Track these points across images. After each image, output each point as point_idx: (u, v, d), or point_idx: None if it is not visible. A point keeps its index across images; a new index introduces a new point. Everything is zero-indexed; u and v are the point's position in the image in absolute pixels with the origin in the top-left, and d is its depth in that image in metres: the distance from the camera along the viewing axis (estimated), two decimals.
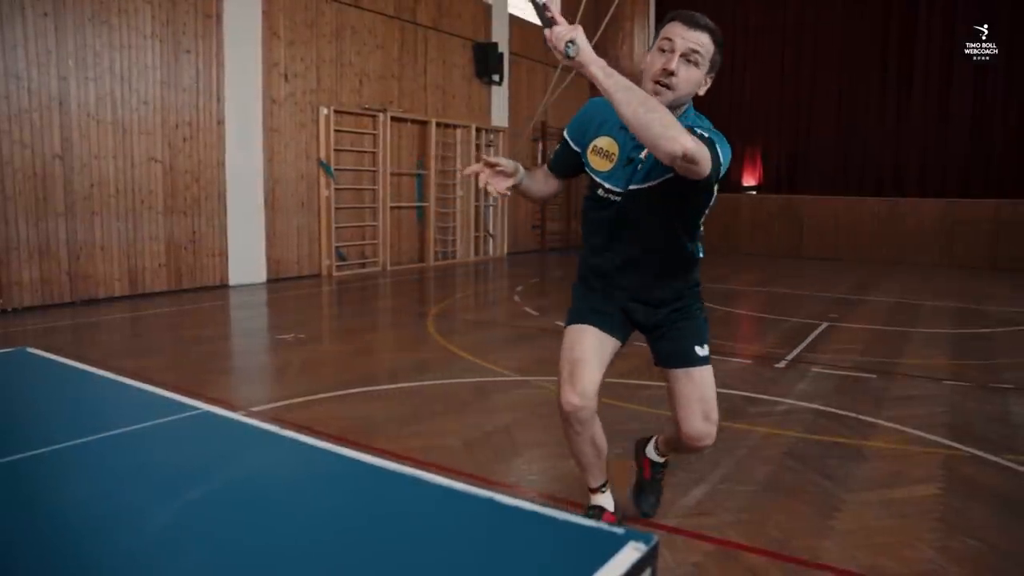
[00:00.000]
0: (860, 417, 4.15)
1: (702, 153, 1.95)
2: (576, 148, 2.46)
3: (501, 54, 13.52)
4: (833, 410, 4.38)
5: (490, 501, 1.01)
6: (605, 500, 2.66)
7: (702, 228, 2.46)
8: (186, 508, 1.02)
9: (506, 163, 2.36)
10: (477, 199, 13.47)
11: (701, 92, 2.22)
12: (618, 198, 2.34)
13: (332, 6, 10.37)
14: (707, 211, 2.41)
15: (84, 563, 0.89)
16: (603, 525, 0.93)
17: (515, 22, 14.32)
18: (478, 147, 13.32)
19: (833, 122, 15.04)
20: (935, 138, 14.09)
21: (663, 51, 2.15)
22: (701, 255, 2.50)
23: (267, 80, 9.48)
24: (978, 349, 6.33)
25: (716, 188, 2.29)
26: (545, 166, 2.61)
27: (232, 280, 9.17)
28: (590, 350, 2.40)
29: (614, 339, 2.49)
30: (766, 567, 2.56)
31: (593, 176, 2.41)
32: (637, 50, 16.78)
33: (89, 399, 1.63)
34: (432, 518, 1.00)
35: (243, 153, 9.19)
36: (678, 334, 2.46)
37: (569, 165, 2.52)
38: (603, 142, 2.37)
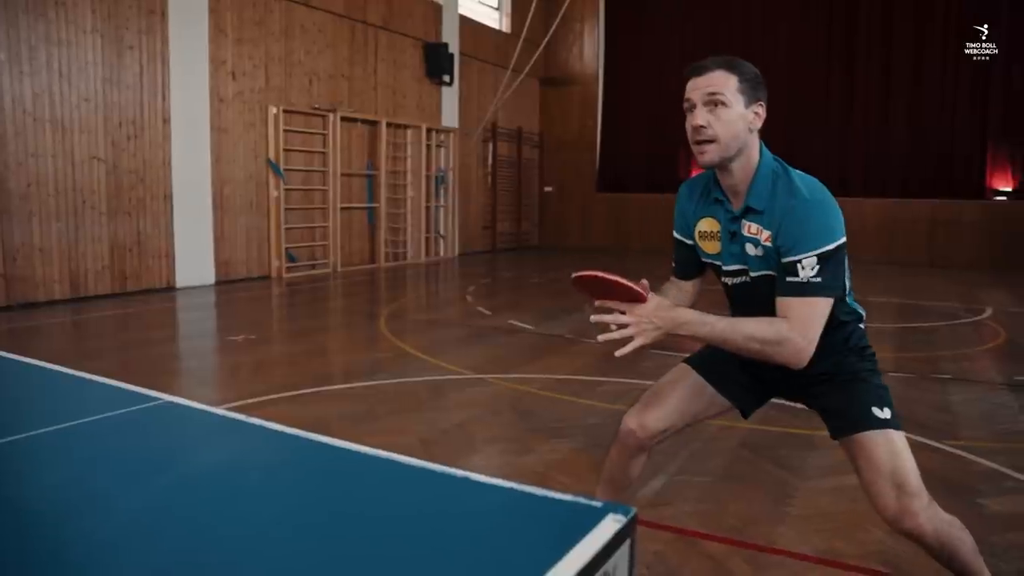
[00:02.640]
0: (810, 408, 4.25)
1: (814, 315, 1.84)
2: (688, 241, 2.24)
3: (452, 55, 13.50)
4: (784, 402, 4.47)
5: (466, 480, 1.01)
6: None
7: (847, 288, 2.05)
8: (156, 495, 0.99)
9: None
10: (428, 200, 13.42)
11: (757, 125, 1.95)
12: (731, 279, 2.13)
13: (281, 4, 10.22)
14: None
15: (54, 550, 0.86)
16: (580, 498, 0.93)
17: (466, 22, 14.31)
18: (429, 148, 13.27)
19: (781, 125, 15.38)
20: (876, 141, 14.54)
21: (688, 112, 1.97)
22: (849, 317, 2.10)
23: (214, 78, 9.29)
24: (919, 342, 6.54)
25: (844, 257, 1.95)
26: (672, 278, 2.38)
27: (179, 282, 8.96)
28: (679, 390, 2.22)
29: (720, 396, 2.25)
30: (725, 553, 2.60)
31: (709, 262, 2.20)
32: (587, 51, 16.93)
33: (39, 392, 1.57)
34: (409, 499, 0.99)
35: (190, 153, 8.99)
36: (843, 396, 2.07)
37: (690, 261, 2.27)
38: (704, 224, 2.16)
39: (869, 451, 1.97)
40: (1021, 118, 13.51)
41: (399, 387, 4.84)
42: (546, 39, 14.73)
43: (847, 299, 2.07)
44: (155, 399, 1.47)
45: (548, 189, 17.64)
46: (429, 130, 13.26)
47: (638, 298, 1.85)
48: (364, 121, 11.88)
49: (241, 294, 8.92)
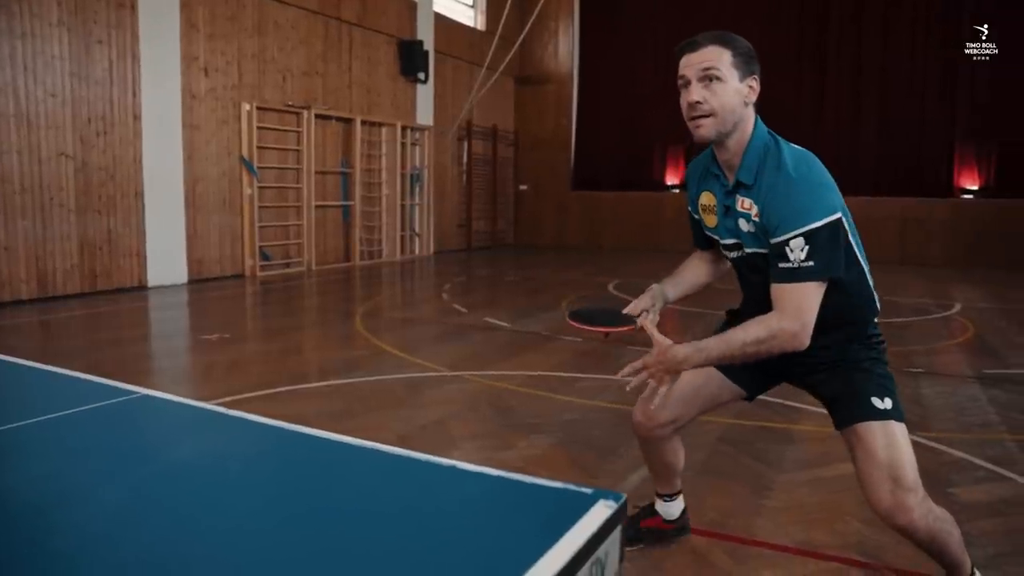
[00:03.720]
0: (787, 403, 4.28)
1: (807, 300, 1.82)
2: (695, 215, 2.25)
3: (426, 52, 13.44)
4: (761, 397, 4.51)
5: (452, 469, 1.00)
6: (661, 506, 2.57)
7: (863, 268, 2.04)
8: (138, 488, 0.97)
9: (644, 302, 2.23)
10: (403, 198, 13.36)
11: (752, 99, 1.96)
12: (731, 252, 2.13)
13: (253, 0, 10.10)
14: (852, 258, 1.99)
15: (40, 541, 0.83)
16: (570, 485, 0.92)
17: (440, 20, 14.26)
18: (403, 146, 13.20)
19: None
20: (848, 142, 14.74)
21: (683, 89, 1.95)
22: (866, 307, 2.07)
23: (186, 75, 9.16)
24: (892, 337, 6.58)
25: (848, 227, 1.94)
26: (695, 249, 2.41)
27: (151, 281, 8.83)
28: (685, 380, 2.17)
29: (729, 383, 2.27)
30: (706, 546, 2.61)
31: (711, 236, 2.21)
32: (562, 50, 16.95)
33: (12, 387, 1.53)
34: (395, 489, 0.98)
35: (162, 150, 8.86)
36: (844, 386, 2.03)
37: (701, 233, 2.29)
38: (704, 198, 2.16)
39: (867, 442, 1.93)
40: (987, 119, 13.78)
41: (376, 385, 4.80)
42: (521, 37, 14.72)
43: (870, 284, 2.05)
44: (133, 393, 1.43)
45: (523, 187, 17.64)
46: (404, 128, 13.20)
47: (629, 326, 2.13)
48: (338, 119, 11.79)
49: (214, 293, 8.81)
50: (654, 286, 2.32)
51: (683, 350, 1.93)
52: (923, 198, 14.10)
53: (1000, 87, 13.63)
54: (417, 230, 14.00)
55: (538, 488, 0.93)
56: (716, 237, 2.14)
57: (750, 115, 1.98)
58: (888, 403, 1.96)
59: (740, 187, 1.98)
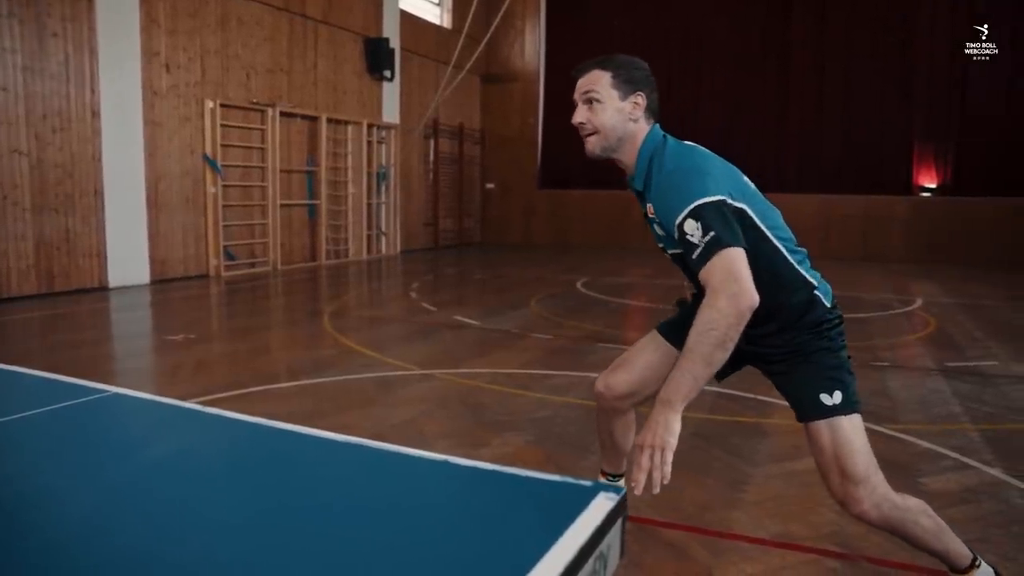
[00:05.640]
0: (758, 398, 4.32)
1: (731, 266, 1.79)
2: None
3: (393, 50, 13.33)
4: (732, 392, 4.53)
5: (445, 463, 0.97)
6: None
7: (776, 245, 2.06)
8: (117, 486, 0.93)
9: None
10: (369, 197, 13.25)
11: (636, 116, 2.05)
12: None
13: None
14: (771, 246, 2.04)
15: (11, 542, 0.78)
16: (569, 479, 0.90)
17: (406, 18, 14.16)
18: (370, 144, 13.09)
19: (718, 121, 15.69)
20: (811, 138, 14.98)
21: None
22: (800, 287, 2.09)
23: (147, 70, 8.96)
24: (858, 332, 6.73)
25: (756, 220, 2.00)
26: None
27: (112, 282, 8.62)
28: (646, 355, 2.36)
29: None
30: (684, 540, 2.62)
31: None
32: (528, 49, 16.94)
33: None
34: (387, 485, 0.94)
35: (122, 147, 8.66)
36: (796, 382, 2.09)
37: None
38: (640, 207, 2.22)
39: (815, 439, 2.03)
40: (942, 120, 14.12)
41: (346, 384, 4.74)
42: (487, 36, 14.67)
43: (795, 266, 2.07)
44: (102, 391, 1.38)
45: (490, 186, 17.60)
46: (370, 126, 13.08)
47: None
48: (304, 116, 11.64)
49: (178, 293, 8.63)
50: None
51: (667, 398, 1.80)
52: (884, 196, 14.38)
53: (956, 89, 13.97)
54: (384, 229, 13.89)
55: (537, 482, 0.91)
56: (660, 245, 2.20)
57: (640, 129, 2.09)
58: (837, 397, 2.00)
59: (641, 196, 2.10)
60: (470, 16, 13.64)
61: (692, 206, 1.84)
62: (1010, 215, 13.42)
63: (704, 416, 4.06)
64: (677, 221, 1.86)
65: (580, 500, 0.83)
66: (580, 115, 2.09)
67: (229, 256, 10.32)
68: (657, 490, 1.69)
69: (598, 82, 2.05)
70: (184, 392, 4.42)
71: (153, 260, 9.19)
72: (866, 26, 14.47)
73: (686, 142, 2.09)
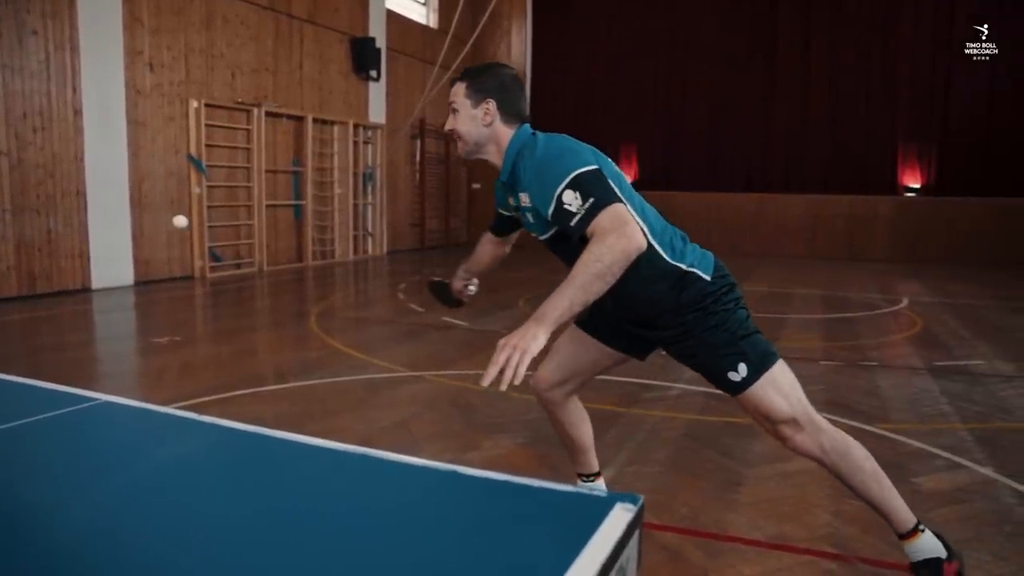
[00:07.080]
0: None
1: (615, 217, 1.83)
2: (505, 213, 2.66)
3: (379, 49, 13.27)
4: (722, 392, 4.54)
5: (453, 473, 0.94)
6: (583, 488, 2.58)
7: (655, 239, 2.12)
8: (113, 498, 0.89)
9: (459, 283, 2.74)
10: (356, 197, 13.18)
11: (488, 121, 2.17)
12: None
13: None
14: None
15: (10, 555, 0.75)
16: (583, 490, 0.87)
17: (393, 17, 14.10)
18: (356, 144, 13.02)
19: (705, 122, 15.75)
20: (797, 139, 15.06)
21: None
22: (676, 263, 2.14)
23: (130, 69, 8.86)
24: (845, 331, 6.76)
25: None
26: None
27: (95, 283, 8.51)
28: (568, 344, 2.52)
29: (605, 346, 2.45)
30: (679, 543, 2.60)
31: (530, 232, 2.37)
32: (515, 48, 16.92)
33: None
34: (391, 495, 0.91)
35: (105, 147, 8.55)
36: (702, 365, 2.22)
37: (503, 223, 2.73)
38: (512, 202, 2.36)
39: (744, 407, 2.22)
40: (926, 120, 14.23)
41: (335, 386, 4.70)
42: (474, 36, 14.63)
43: (656, 249, 2.10)
44: (91, 400, 1.34)
45: (476, 186, 17.55)
46: (356, 126, 13.01)
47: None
48: (289, 116, 11.56)
49: (163, 295, 8.54)
50: (460, 270, 2.77)
51: (543, 311, 1.76)
52: (869, 196, 14.48)
53: (940, 90, 14.09)
54: (370, 230, 13.82)
55: (551, 493, 0.88)
56: (533, 233, 2.28)
57: (499, 131, 2.20)
58: (743, 369, 2.13)
59: (509, 187, 2.24)
60: (456, 16, 13.58)
61: (570, 176, 1.91)
62: (994, 214, 13.55)
63: (695, 417, 4.05)
64: (556, 192, 1.91)
65: (598, 512, 0.81)
66: (448, 123, 2.26)
67: (214, 257, 10.22)
68: (504, 387, 1.65)
69: (457, 93, 2.22)
70: (170, 395, 4.36)
71: (137, 261, 9.08)
72: (851, 26, 14.56)
73: (557, 133, 2.18)
